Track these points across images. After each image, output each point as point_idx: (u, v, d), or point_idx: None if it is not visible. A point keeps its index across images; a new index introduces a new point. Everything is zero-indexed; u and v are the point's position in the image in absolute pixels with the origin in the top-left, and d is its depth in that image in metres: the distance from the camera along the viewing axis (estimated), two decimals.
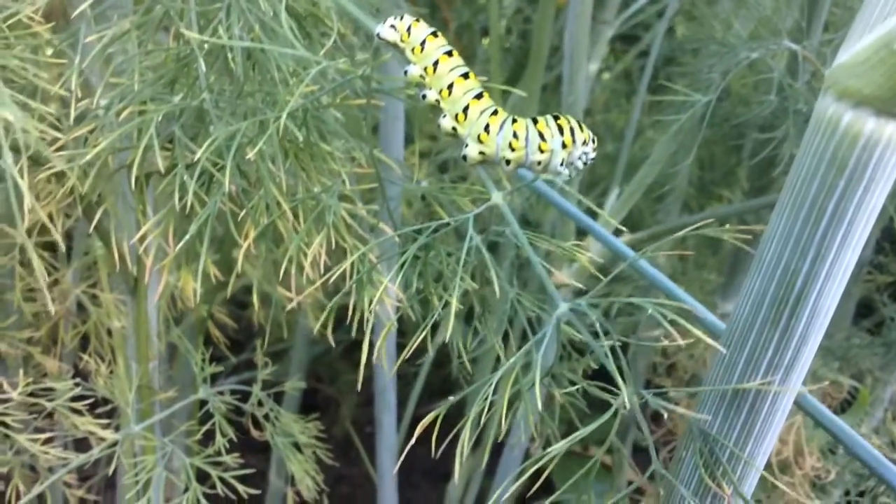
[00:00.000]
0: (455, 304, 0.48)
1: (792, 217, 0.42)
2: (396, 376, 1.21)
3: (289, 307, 0.64)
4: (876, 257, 1.21)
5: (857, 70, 0.39)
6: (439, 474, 1.54)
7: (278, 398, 1.07)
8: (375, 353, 0.53)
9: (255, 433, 0.91)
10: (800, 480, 0.95)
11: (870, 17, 0.40)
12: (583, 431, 0.45)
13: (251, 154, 0.52)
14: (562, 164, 0.51)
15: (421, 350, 0.50)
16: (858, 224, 0.41)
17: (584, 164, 0.52)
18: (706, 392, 0.46)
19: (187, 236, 0.55)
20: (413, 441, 0.47)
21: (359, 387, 0.55)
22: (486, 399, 0.44)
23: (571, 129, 0.50)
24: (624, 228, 1.03)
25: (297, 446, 0.92)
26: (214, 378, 0.93)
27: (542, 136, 0.50)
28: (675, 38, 1.42)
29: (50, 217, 0.89)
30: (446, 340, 0.56)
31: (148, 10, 0.58)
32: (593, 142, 0.52)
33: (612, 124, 1.58)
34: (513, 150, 0.51)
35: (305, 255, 0.57)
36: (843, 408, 1.11)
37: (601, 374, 0.47)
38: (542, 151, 0.51)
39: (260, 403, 0.89)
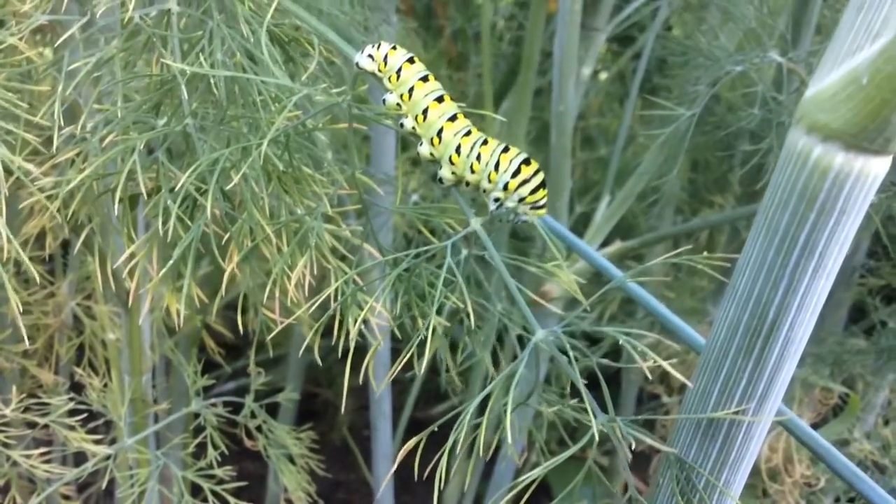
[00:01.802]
0: (441, 322, 0.48)
1: (765, 247, 0.42)
2: (392, 382, 1.22)
3: (279, 327, 0.65)
4: (868, 261, 1.21)
5: (826, 105, 0.39)
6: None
7: (275, 405, 1.07)
8: (362, 371, 0.53)
9: (248, 443, 0.92)
10: (790, 488, 0.96)
11: (839, 51, 0.40)
12: (560, 457, 0.45)
13: (234, 180, 0.52)
14: (495, 202, 0.50)
15: (416, 357, 0.51)
16: (830, 255, 0.41)
17: (506, 213, 0.50)
18: (682, 419, 0.47)
19: (171, 261, 0.55)
20: (409, 447, 0.47)
21: (355, 393, 0.56)
22: (462, 428, 0.45)
23: (523, 182, 0.49)
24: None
25: (290, 458, 0.92)
26: (212, 386, 0.94)
27: (497, 166, 0.49)
28: (671, 41, 1.42)
29: (43, 230, 0.90)
30: (434, 355, 0.56)
31: (132, 34, 0.59)
32: (537, 208, 0.50)
33: (606, 128, 1.58)
34: (473, 171, 0.50)
35: (290, 277, 0.58)
36: (835, 413, 1.11)
37: (589, 387, 0.47)
38: (489, 181, 0.50)
39: (253, 415, 0.90)
